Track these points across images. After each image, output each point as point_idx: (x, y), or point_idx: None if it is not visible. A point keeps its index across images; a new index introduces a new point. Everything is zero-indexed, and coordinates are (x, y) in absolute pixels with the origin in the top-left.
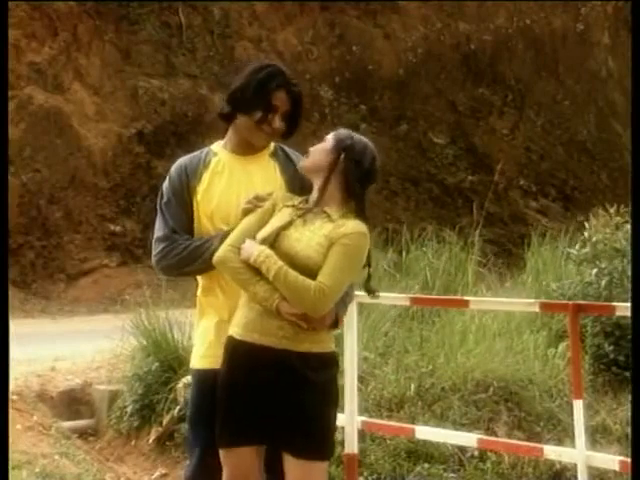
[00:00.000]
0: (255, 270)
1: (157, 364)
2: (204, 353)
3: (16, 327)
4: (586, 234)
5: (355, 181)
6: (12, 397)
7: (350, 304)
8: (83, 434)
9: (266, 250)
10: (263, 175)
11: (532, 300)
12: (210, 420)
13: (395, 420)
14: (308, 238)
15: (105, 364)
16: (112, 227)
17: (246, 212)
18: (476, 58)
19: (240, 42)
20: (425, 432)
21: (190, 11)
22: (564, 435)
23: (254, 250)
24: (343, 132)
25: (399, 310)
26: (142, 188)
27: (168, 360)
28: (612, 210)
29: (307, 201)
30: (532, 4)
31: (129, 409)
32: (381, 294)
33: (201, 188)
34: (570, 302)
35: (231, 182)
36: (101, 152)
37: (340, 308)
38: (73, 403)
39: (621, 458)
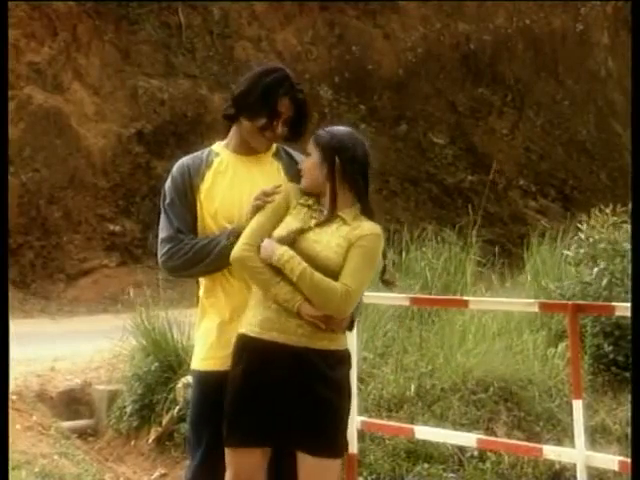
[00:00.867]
0: (275, 270)
1: (156, 364)
2: (206, 355)
3: (15, 327)
4: (582, 235)
5: (357, 175)
6: (11, 397)
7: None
8: (82, 434)
9: (289, 250)
10: (266, 176)
11: (531, 300)
12: (212, 421)
13: (394, 420)
14: (327, 240)
15: (104, 364)
16: (111, 227)
17: (257, 209)
18: (476, 58)
19: (239, 42)
20: (425, 432)
21: (189, 11)
22: (563, 435)
23: (276, 250)
24: (323, 135)
25: (399, 310)
26: (141, 188)
27: (168, 360)
28: (608, 210)
29: (319, 201)
30: (531, 4)
31: (128, 409)
32: (380, 294)
33: (204, 187)
34: (569, 302)
35: (234, 182)
36: (100, 152)
37: (355, 310)
38: (72, 403)
39: (620, 458)
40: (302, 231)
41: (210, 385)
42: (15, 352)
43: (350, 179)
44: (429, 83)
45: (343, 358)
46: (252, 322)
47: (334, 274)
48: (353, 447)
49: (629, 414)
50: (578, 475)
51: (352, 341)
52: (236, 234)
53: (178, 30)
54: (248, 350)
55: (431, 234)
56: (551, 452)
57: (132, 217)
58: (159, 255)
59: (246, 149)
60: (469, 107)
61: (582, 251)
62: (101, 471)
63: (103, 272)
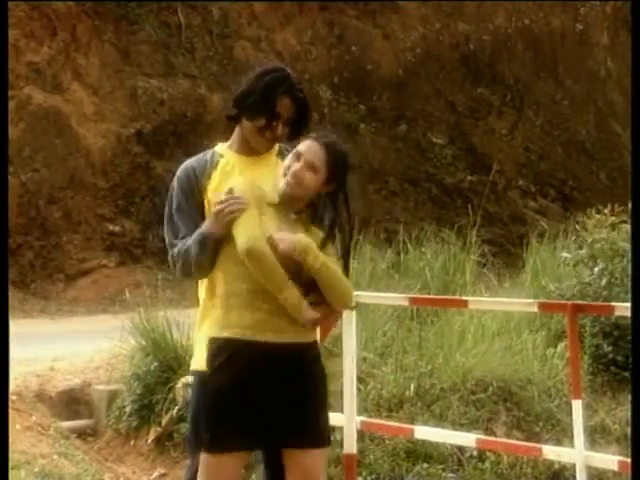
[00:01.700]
0: (284, 271)
1: (156, 364)
2: None
3: (15, 327)
4: (581, 235)
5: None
6: (11, 397)
7: None
8: (82, 434)
9: (306, 238)
10: (271, 175)
11: (531, 300)
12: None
13: (394, 420)
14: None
15: (104, 364)
16: (111, 227)
17: (231, 213)
18: (475, 58)
19: (239, 42)
20: (424, 432)
21: (189, 11)
22: (563, 435)
23: (300, 239)
24: (337, 153)
25: (398, 310)
26: (141, 188)
27: (167, 360)
28: (607, 210)
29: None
30: (531, 4)
31: (128, 409)
32: (380, 294)
33: (211, 187)
34: (569, 302)
35: None
36: (100, 152)
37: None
38: (72, 403)
39: (620, 458)
40: (281, 230)
41: None
42: (15, 352)
43: (338, 186)
44: (428, 83)
45: (317, 347)
46: (242, 325)
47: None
48: (353, 447)
49: (628, 414)
50: (577, 475)
51: (351, 341)
52: (202, 238)
53: (177, 30)
54: (239, 354)
55: (430, 234)
56: (550, 452)
57: (131, 217)
58: (169, 259)
59: (249, 150)
60: (468, 107)
61: (581, 251)
62: (100, 471)
63: (102, 272)
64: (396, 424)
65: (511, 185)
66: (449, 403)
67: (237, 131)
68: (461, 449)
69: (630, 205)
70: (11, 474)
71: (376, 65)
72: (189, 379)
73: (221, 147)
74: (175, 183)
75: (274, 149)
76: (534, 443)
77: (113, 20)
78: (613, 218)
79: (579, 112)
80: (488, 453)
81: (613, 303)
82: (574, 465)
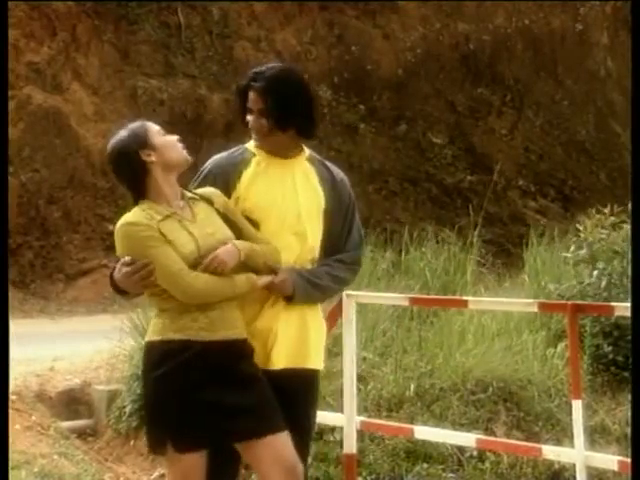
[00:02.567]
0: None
1: None
2: None
3: (15, 327)
4: (581, 236)
5: None
6: (11, 397)
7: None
8: (82, 434)
9: (235, 240)
10: (304, 180)
11: (531, 300)
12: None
13: (394, 420)
14: (212, 230)
15: (104, 364)
16: (111, 227)
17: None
18: (475, 58)
19: (239, 42)
20: (424, 432)
21: (189, 11)
22: (563, 435)
23: (237, 245)
24: None
25: (398, 310)
26: None
27: None
28: (607, 210)
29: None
30: (531, 4)
31: (128, 409)
32: (380, 294)
33: (241, 185)
34: (569, 302)
35: (273, 182)
36: (100, 152)
37: None
38: (72, 403)
39: (620, 458)
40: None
41: None
42: (14, 352)
43: None
44: (428, 83)
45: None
46: (196, 327)
47: None
48: (352, 447)
49: (628, 414)
50: (577, 475)
51: (351, 341)
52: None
53: (177, 30)
54: (202, 356)
55: (430, 234)
56: (550, 452)
57: None
58: None
59: (277, 151)
60: (468, 107)
61: (581, 252)
62: (100, 471)
63: (102, 272)
64: (396, 424)
65: (511, 185)
66: (449, 403)
67: None
68: (461, 449)
69: (630, 205)
70: (11, 474)
71: (376, 65)
72: None
73: (251, 145)
74: (204, 177)
75: (304, 152)
76: (534, 443)
77: (113, 20)
78: (613, 218)
79: (579, 112)
80: (488, 453)
81: (613, 303)
82: (574, 465)
